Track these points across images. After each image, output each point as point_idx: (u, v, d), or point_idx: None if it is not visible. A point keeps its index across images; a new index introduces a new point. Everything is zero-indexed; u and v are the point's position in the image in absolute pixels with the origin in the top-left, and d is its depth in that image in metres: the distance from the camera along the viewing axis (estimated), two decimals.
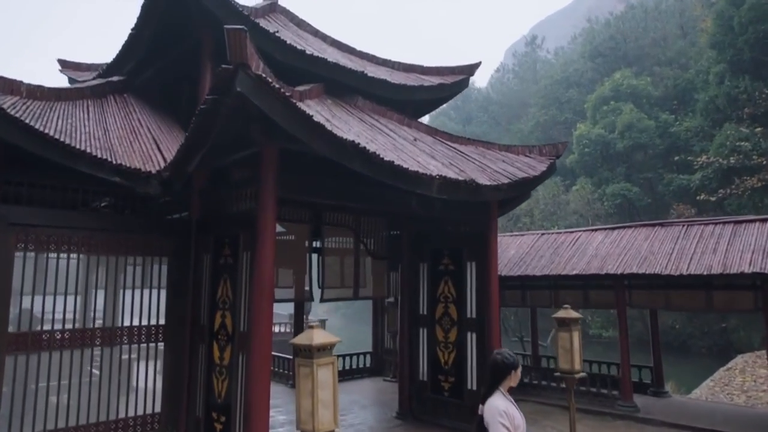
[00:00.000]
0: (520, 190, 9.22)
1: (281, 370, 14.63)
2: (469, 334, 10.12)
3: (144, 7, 8.12)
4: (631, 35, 46.13)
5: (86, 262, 7.24)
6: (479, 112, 60.12)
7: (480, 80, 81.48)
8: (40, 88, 7.30)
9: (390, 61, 11.99)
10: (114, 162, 6.71)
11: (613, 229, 14.16)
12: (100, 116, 7.87)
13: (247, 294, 6.95)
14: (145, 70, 9.39)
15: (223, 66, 5.67)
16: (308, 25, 12.11)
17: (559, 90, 47.60)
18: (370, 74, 9.98)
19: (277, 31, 8.62)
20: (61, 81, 12.32)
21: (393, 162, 6.80)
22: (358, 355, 15.70)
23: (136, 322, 7.65)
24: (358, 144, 6.48)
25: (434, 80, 11.38)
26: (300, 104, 7.65)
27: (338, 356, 15.40)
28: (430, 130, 10.11)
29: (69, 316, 6.98)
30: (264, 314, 6.58)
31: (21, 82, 7.37)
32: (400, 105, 11.06)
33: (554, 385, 13.10)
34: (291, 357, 14.34)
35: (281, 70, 9.08)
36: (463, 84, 11.88)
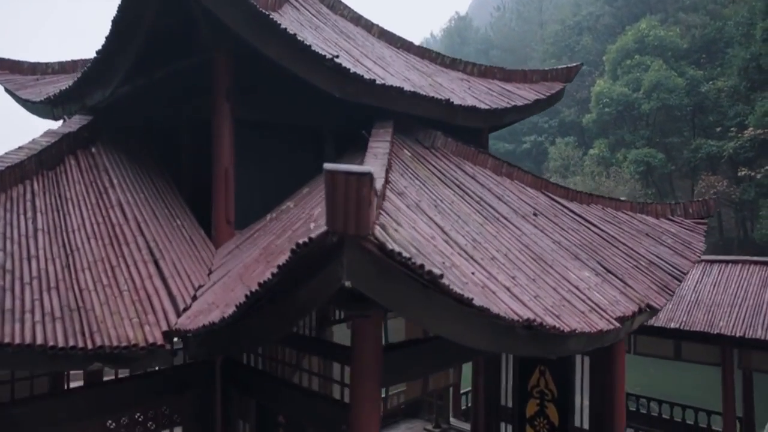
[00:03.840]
0: None
1: None
2: None
3: (118, 22, 4.77)
4: None
5: None
6: (479, 56, 55.41)
7: (475, 15, 75.50)
8: None
9: (459, 61, 8.71)
10: (90, 346, 3.73)
11: (712, 262, 11.63)
12: (55, 217, 4.71)
13: None
14: (123, 102, 6.09)
15: (312, 237, 2.68)
16: (343, 5, 8.65)
17: (572, 36, 43.51)
18: (456, 102, 6.84)
19: (337, 56, 5.37)
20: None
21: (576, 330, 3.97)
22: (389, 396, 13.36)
23: None
24: (536, 322, 3.62)
25: (526, 95, 8.25)
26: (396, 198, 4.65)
27: None
28: (535, 182, 7.16)
29: None
30: None
31: None
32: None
33: None
34: None
35: (332, 103, 5.98)
36: (559, 96, 8.79)
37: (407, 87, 6.29)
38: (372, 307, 3.43)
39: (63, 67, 8.41)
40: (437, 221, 4.80)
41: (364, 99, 5.93)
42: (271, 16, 4.74)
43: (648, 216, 7.32)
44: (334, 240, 2.71)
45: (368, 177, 2.47)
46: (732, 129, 27.76)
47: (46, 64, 8.46)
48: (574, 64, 9.01)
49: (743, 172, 25.94)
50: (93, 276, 4.32)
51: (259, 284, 3.06)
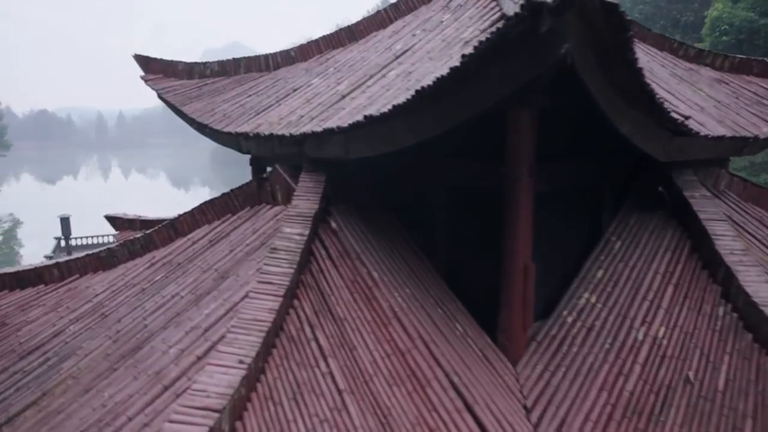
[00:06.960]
0: None
1: None
2: None
3: (435, 89, 3.40)
4: None
5: None
6: None
7: None
8: None
9: (706, 53, 6.73)
10: None
11: None
12: (346, 360, 3.63)
13: None
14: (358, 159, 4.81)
15: None
16: None
17: None
18: (762, 136, 5.22)
19: (689, 117, 3.87)
20: (144, 95, 7.15)
21: None
22: None
23: None
24: None
25: None
26: None
27: None
28: None
29: None
30: None
31: None
32: None
33: None
34: None
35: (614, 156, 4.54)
36: None
37: (727, 132, 4.72)
38: None
39: (224, 68, 7.11)
40: None
41: (681, 156, 4.44)
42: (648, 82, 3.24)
43: None
44: None
45: None
46: None
47: (204, 64, 7.16)
48: None
49: None
50: None
51: None
